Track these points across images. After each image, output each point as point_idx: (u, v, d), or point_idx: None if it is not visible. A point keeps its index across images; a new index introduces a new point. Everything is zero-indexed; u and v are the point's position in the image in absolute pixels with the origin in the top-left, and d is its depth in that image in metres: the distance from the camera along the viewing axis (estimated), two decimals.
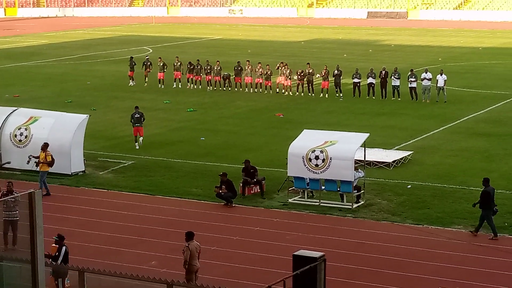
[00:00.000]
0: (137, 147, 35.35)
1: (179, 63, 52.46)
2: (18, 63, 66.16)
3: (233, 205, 27.22)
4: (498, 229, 24.47)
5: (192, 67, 51.86)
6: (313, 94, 48.64)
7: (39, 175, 28.48)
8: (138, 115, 35.89)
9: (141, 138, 35.70)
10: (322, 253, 16.11)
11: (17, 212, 21.84)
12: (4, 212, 21.92)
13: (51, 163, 28.48)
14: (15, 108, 33.60)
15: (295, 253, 16.14)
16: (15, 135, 31.41)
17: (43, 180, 28.39)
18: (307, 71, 48.91)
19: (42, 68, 63.23)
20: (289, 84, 49.29)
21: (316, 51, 74.25)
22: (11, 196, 22.06)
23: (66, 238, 19.90)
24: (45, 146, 28.75)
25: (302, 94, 48.87)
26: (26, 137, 31.29)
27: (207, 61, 52.52)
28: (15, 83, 54.79)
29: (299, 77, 48.91)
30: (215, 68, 51.24)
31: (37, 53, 73.56)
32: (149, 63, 53.31)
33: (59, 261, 18.99)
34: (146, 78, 52.82)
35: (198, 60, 52.68)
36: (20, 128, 31.60)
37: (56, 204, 26.83)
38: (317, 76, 49.31)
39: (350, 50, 74.55)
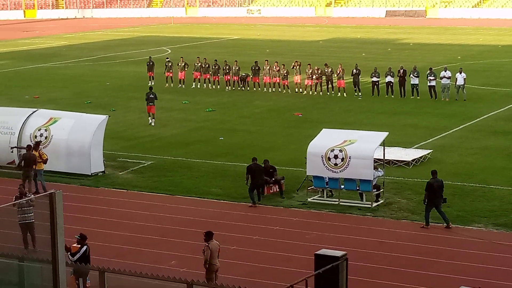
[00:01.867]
0: (152, 124, 40.30)
1: (199, 64, 52.54)
2: (37, 64, 66.50)
3: (256, 205, 27.18)
4: None
5: (207, 66, 51.90)
6: (332, 93, 48.58)
7: (38, 174, 28.67)
8: (152, 96, 41.10)
9: (153, 120, 40.41)
10: (344, 252, 16.07)
11: (32, 214, 21.85)
12: (19, 216, 21.95)
13: (46, 161, 28.84)
14: (35, 109, 33.77)
15: (317, 252, 16.10)
16: (35, 136, 31.53)
17: (41, 178, 28.68)
18: (325, 70, 48.87)
19: (62, 69, 63.52)
20: (310, 83, 49.23)
21: (334, 50, 74.15)
22: (25, 199, 22.03)
23: (87, 238, 19.93)
24: (37, 145, 29.15)
25: (321, 93, 48.81)
26: (46, 138, 31.41)
27: (225, 61, 52.55)
28: (34, 85, 55.08)
29: (310, 76, 48.80)
30: (234, 68, 51.30)
31: (56, 54, 73.92)
32: (170, 64, 53.31)
33: (75, 258, 19.06)
34: (171, 80, 52.73)
35: (216, 60, 52.73)
36: (40, 129, 31.75)
37: (76, 204, 26.93)
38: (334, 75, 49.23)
39: (368, 49, 74.39)
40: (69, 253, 18.86)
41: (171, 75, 52.92)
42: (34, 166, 28.39)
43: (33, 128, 31.85)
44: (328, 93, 48.59)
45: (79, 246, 19.48)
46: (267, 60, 51.78)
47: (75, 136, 31.24)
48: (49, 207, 14.05)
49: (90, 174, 30.93)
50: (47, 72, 62.26)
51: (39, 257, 15.81)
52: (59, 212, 14.06)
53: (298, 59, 54.22)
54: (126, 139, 37.54)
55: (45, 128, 31.72)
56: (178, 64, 52.94)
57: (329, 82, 48.66)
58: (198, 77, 52.30)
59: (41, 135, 31.50)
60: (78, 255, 19.19)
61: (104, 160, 31.69)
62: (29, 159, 28.55)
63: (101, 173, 31.30)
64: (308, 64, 49.87)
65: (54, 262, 14.22)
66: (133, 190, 29.32)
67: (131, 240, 24.07)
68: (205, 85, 52.02)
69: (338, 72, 48.36)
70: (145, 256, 22.63)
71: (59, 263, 14.23)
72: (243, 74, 51.10)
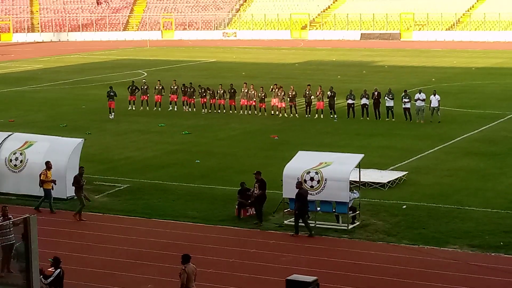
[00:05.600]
0: (111, 117, 48.42)
1: (175, 87, 52.66)
2: (13, 88, 66.24)
3: (261, 224, 27.44)
4: (494, 249, 24.56)
5: (185, 89, 52.06)
6: (309, 115, 48.71)
7: (48, 196, 29.16)
8: (112, 93, 49.48)
9: (113, 114, 48.80)
10: (315, 278, 16.02)
11: (12, 236, 21.76)
12: (1, 238, 21.83)
13: (54, 181, 29.60)
14: (10, 133, 33.60)
15: (288, 278, 16.03)
16: (10, 160, 31.38)
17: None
18: (305, 92, 49.03)
19: (37, 93, 63.31)
20: (283, 105, 49.37)
21: (310, 72, 74.45)
22: (10, 221, 21.94)
23: (62, 262, 19.82)
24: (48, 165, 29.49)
25: (297, 115, 48.94)
26: (21, 162, 31.26)
27: (200, 85, 52.51)
28: (10, 108, 54.84)
29: (283, 98, 49.03)
30: (218, 91, 51.11)
31: (32, 78, 73.67)
32: (146, 87, 53.19)
33: (48, 281, 18.95)
34: (147, 104, 52.61)
35: (190, 83, 52.79)
36: (16, 153, 31.59)
37: (52, 228, 26.79)
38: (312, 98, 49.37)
39: (344, 72, 74.77)
40: (41, 276, 18.73)
41: (146, 98, 52.84)
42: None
43: (8, 152, 31.67)
44: (306, 115, 48.69)
45: (53, 269, 19.36)
46: (246, 83, 51.72)
47: (50, 159, 30.97)
48: (24, 232, 14.01)
49: (65, 197, 30.76)
50: (23, 95, 62.02)
51: (13, 282, 15.71)
52: (34, 237, 14.03)
53: (274, 81, 54.36)
54: (102, 162, 37.43)
55: (20, 152, 31.57)
56: (155, 88, 52.91)
57: (308, 105, 48.74)
58: (175, 100, 52.33)
59: (16, 159, 31.34)
60: (51, 278, 19.07)
61: None
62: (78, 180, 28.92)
63: None
64: (280, 87, 49.98)
65: (29, 286, 14.16)
66: (109, 214, 29.20)
67: (107, 264, 23.96)
68: (183, 107, 51.97)
69: (317, 94, 48.57)
70: (121, 280, 22.54)
71: (34, 287, 14.16)
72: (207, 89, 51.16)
